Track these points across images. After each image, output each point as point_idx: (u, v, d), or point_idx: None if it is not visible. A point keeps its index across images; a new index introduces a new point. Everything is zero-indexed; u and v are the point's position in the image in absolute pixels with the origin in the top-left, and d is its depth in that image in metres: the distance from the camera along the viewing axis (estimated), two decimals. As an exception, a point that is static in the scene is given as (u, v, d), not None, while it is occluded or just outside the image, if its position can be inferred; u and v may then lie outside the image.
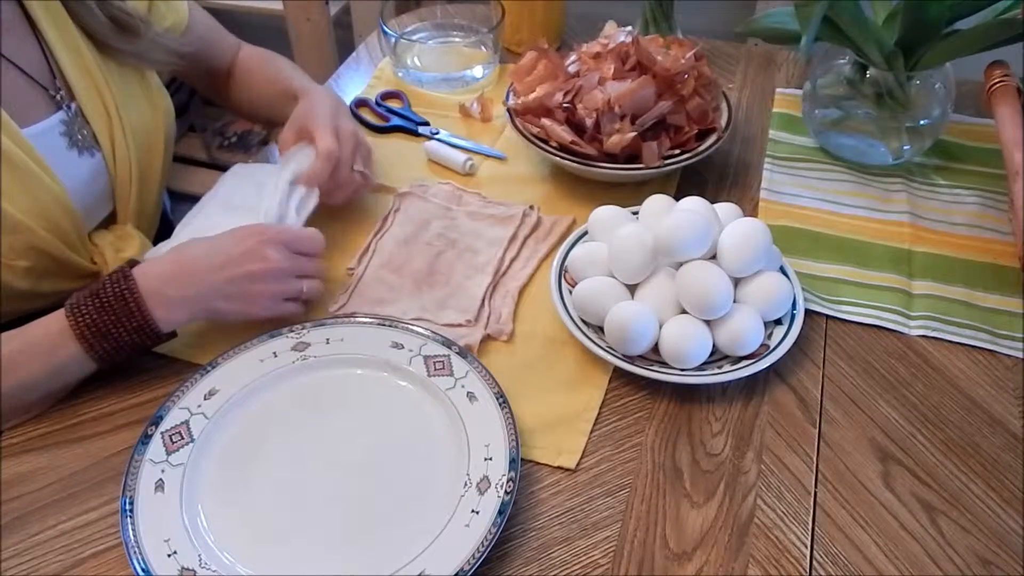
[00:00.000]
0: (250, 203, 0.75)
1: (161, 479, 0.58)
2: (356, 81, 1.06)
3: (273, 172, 0.78)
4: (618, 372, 0.68)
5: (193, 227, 0.75)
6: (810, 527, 0.58)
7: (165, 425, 0.61)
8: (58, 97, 0.74)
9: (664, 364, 0.67)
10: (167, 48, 0.81)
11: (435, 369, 0.65)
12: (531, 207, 0.84)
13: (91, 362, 0.64)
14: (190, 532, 0.56)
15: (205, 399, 0.63)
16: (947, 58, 0.82)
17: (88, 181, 0.76)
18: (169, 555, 0.54)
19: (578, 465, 0.62)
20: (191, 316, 0.66)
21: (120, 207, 0.80)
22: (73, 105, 0.75)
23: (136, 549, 0.54)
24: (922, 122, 0.86)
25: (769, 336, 0.69)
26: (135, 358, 0.66)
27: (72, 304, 0.63)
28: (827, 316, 0.74)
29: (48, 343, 0.62)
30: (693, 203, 0.73)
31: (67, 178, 0.72)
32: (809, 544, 0.58)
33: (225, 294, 0.65)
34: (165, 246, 0.71)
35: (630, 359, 0.67)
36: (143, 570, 0.53)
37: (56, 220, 0.71)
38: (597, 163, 0.83)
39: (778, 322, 0.70)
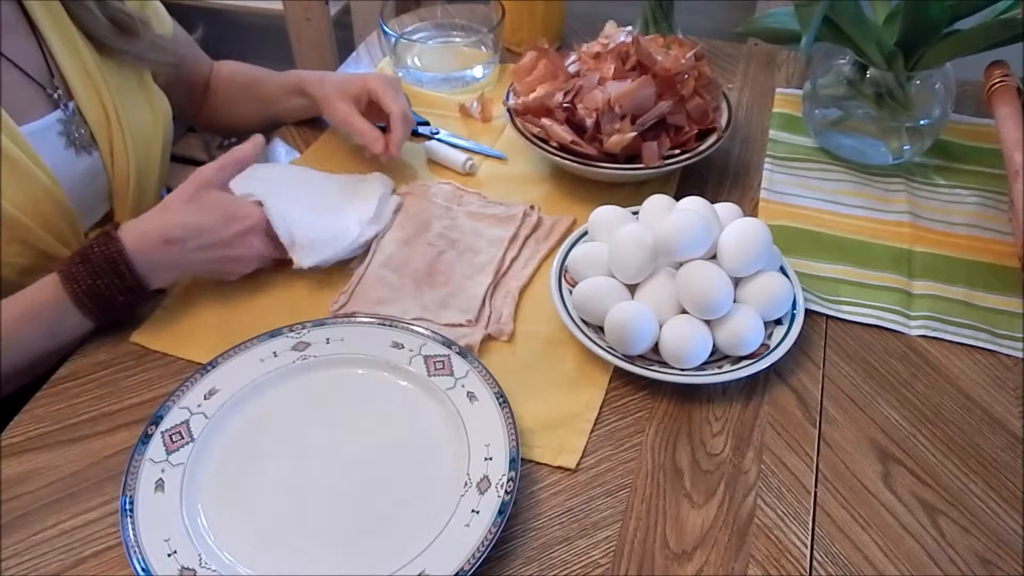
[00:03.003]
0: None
1: (161, 479, 0.58)
2: (356, 81, 1.06)
3: (272, 168, 0.82)
4: (618, 372, 0.68)
5: None
6: (810, 527, 0.58)
7: (165, 425, 0.61)
8: (56, 96, 0.74)
9: (664, 364, 0.67)
10: (165, 49, 0.81)
11: (435, 369, 0.65)
12: (531, 207, 0.84)
13: (89, 323, 0.67)
14: (190, 532, 0.56)
15: (205, 399, 0.63)
16: (947, 58, 0.82)
17: (85, 180, 0.76)
18: (169, 555, 0.54)
19: (578, 465, 0.62)
20: (175, 279, 0.72)
21: (118, 206, 0.80)
22: (71, 104, 0.75)
23: (136, 549, 0.54)
24: (922, 122, 0.86)
25: (769, 336, 0.69)
26: (134, 358, 0.68)
27: (65, 273, 0.65)
28: (827, 316, 0.74)
29: (48, 312, 0.65)
30: (693, 203, 0.73)
31: (64, 177, 0.72)
32: (809, 544, 0.58)
33: (207, 268, 0.72)
34: None
35: (630, 359, 0.67)
36: (143, 570, 0.53)
37: (52, 218, 0.71)
38: (597, 163, 0.83)
39: (778, 322, 0.70)
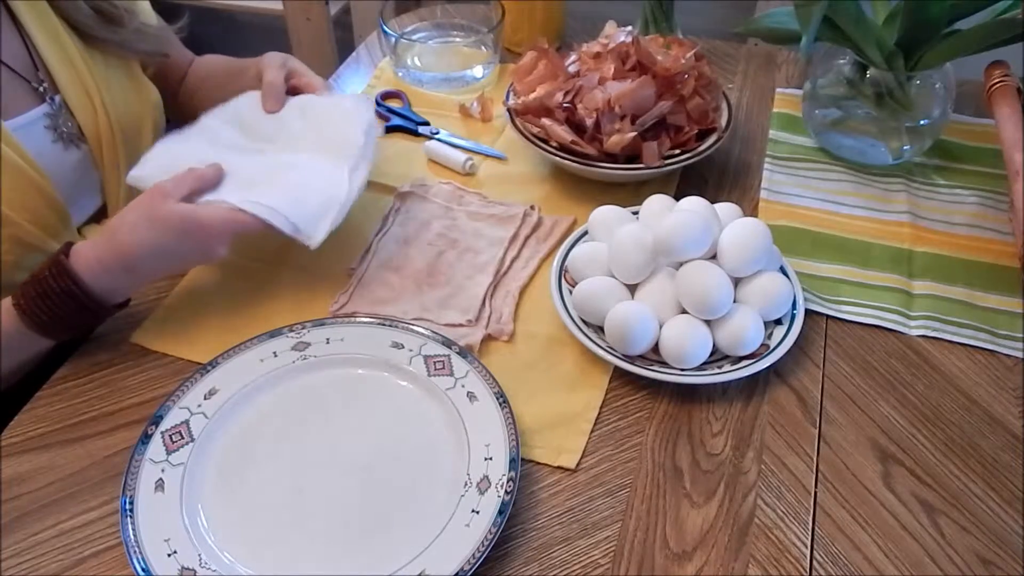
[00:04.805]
0: (237, 143, 0.75)
1: (161, 479, 0.58)
2: (356, 81, 1.06)
3: (255, 104, 0.79)
4: (618, 372, 0.68)
5: (174, 154, 0.72)
6: (810, 527, 0.59)
7: (165, 425, 0.61)
8: (41, 90, 0.73)
9: (664, 364, 0.67)
10: (152, 37, 0.81)
11: (435, 369, 0.65)
12: (532, 207, 0.84)
13: (49, 342, 0.66)
14: (190, 532, 0.56)
15: (205, 399, 0.63)
16: (947, 58, 0.82)
17: (75, 174, 0.76)
18: (169, 555, 0.54)
19: (578, 465, 0.62)
20: (135, 290, 0.70)
21: (110, 200, 0.80)
22: (57, 98, 0.74)
23: (136, 549, 0.54)
24: (922, 122, 0.86)
25: (769, 336, 0.69)
26: (134, 358, 0.68)
27: (23, 308, 0.63)
28: (827, 316, 0.74)
29: (14, 343, 0.64)
30: (693, 203, 0.73)
31: (53, 171, 0.72)
32: (809, 544, 0.58)
33: (175, 272, 0.74)
34: (143, 168, 0.71)
35: (630, 359, 0.67)
36: (143, 570, 0.53)
37: (41, 213, 0.71)
38: (597, 163, 0.83)
39: (778, 322, 0.70)
